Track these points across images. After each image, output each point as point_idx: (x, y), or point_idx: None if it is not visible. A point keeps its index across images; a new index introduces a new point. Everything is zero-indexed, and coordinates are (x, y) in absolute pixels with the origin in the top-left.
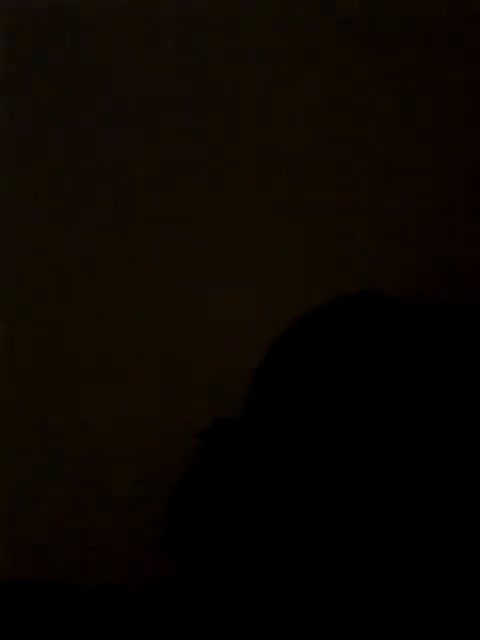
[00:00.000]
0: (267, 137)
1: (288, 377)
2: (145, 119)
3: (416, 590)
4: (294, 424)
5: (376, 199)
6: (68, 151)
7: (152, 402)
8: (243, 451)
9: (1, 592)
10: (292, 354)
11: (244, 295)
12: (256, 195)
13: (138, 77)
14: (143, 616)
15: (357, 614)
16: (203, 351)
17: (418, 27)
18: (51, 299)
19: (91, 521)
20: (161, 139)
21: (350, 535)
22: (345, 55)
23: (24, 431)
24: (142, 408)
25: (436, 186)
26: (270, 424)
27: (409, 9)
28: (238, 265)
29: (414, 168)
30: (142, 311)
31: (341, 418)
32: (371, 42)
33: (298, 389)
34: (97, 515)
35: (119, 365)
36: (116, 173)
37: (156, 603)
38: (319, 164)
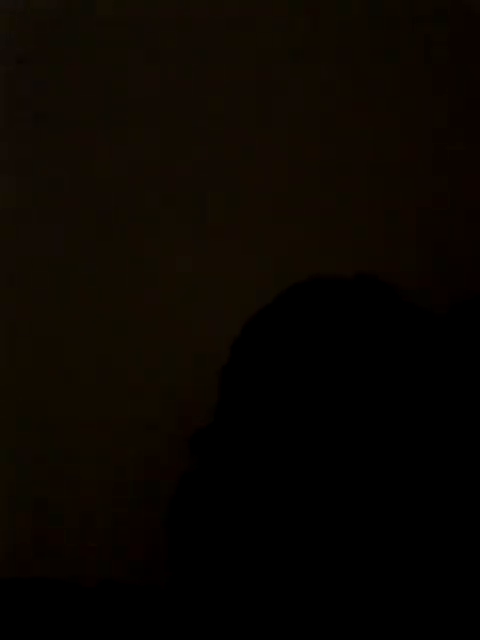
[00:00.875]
0: (267, 137)
1: (249, 374)
2: (145, 119)
3: (411, 587)
4: (259, 420)
5: (376, 199)
6: (68, 151)
7: (153, 402)
8: (219, 452)
9: (1, 589)
10: (249, 352)
11: (244, 295)
12: (256, 194)
13: (138, 77)
14: (143, 611)
15: (351, 609)
16: (204, 351)
17: (418, 27)
18: (51, 299)
19: (91, 519)
20: (161, 138)
21: (337, 527)
22: (345, 55)
23: (24, 431)
24: (143, 408)
25: (436, 186)
26: (238, 423)
27: (409, 9)
28: (238, 266)
29: (414, 168)
30: (143, 312)
31: (300, 409)
32: (372, 42)
33: (258, 384)
34: (97, 513)
35: (119, 365)
36: (116, 173)
37: (156, 598)
38: (319, 164)
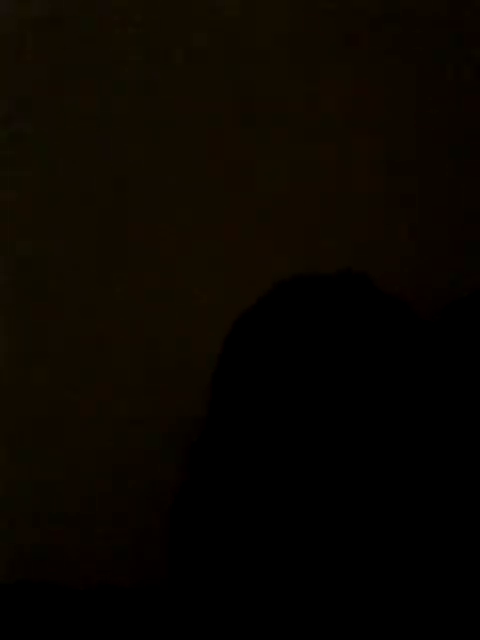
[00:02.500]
0: (267, 136)
1: (237, 381)
2: (145, 119)
3: (411, 588)
4: (251, 425)
5: (375, 199)
6: (68, 151)
7: (153, 403)
8: (212, 459)
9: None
10: (236, 358)
11: (245, 297)
12: (254, 194)
13: (138, 77)
14: (141, 616)
15: (351, 613)
16: (205, 352)
17: (418, 27)
18: (50, 299)
19: (90, 523)
20: (161, 138)
21: (334, 530)
22: (345, 55)
23: (23, 434)
24: (143, 412)
25: (436, 185)
26: (230, 429)
27: (409, 9)
28: (236, 267)
29: (414, 167)
30: (143, 313)
31: (296, 409)
32: (372, 41)
33: (247, 391)
34: (96, 516)
35: (120, 366)
36: (115, 172)
37: (154, 603)
38: (317, 164)
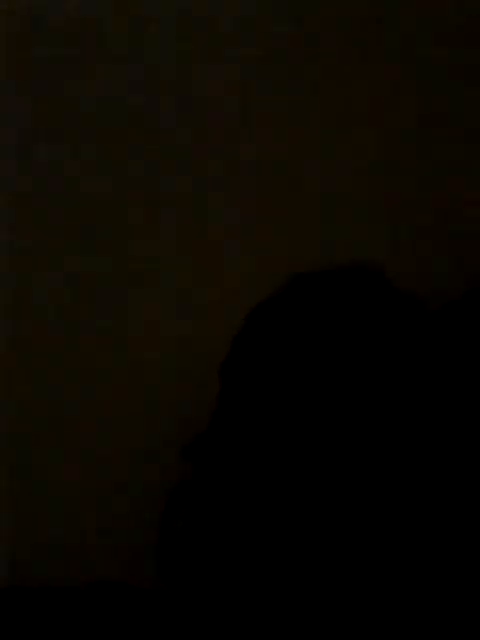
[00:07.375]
0: (267, 136)
1: (248, 373)
2: (144, 119)
3: (410, 588)
4: (259, 423)
5: (375, 199)
6: (66, 151)
7: (151, 402)
8: (215, 459)
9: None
10: (249, 348)
11: (244, 295)
12: (255, 192)
13: (137, 76)
14: (138, 612)
15: (348, 619)
16: (206, 351)
17: (419, 27)
18: (50, 298)
19: (90, 520)
20: (160, 138)
21: (336, 536)
22: (346, 55)
23: (24, 431)
24: (141, 408)
25: (434, 185)
26: (237, 426)
27: (409, 8)
28: (237, 267)
29: (414, 165)
30: (143, 314)
31: (309, 414)
32: (372, 41)
33: (264, 383)
34: (95, 515)
35: (120, 365)
36: (114, 171)
37: (152, 599)
38: (318, 161)
